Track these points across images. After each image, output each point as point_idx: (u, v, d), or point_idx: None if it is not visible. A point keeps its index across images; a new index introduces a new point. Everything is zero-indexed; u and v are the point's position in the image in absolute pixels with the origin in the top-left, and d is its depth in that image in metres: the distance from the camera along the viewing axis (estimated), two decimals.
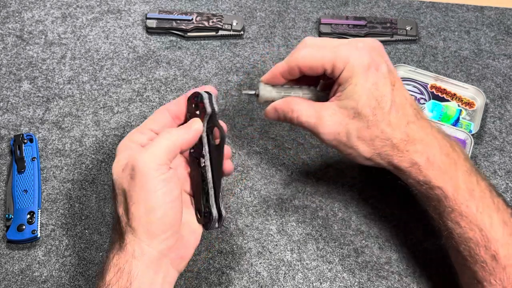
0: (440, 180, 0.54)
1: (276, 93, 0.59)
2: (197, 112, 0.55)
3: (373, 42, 0.57)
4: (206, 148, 0.55)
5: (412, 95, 0.75)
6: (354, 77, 0.53)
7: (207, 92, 0.56)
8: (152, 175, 0.50)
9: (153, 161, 0.50)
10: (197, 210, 0.56)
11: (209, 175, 0.56)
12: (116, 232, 0.52)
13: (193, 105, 0.56)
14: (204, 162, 0.55)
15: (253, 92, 0.59)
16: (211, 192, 0.55)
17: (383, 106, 0.53)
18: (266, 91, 0.59)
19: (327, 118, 0.55)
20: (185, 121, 0.56)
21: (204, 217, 0.56)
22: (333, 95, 0.56)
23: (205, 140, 0.55)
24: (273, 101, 0.59)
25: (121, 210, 0.51)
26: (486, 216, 0.52)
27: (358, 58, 0.54)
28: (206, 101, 0.55)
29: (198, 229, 0.56)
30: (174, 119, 0.56)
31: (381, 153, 0.55)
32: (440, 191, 0.54)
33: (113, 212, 0.66)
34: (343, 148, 0.56)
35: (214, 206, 0.55)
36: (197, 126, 0.54)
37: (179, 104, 0.56)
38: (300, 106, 0.56)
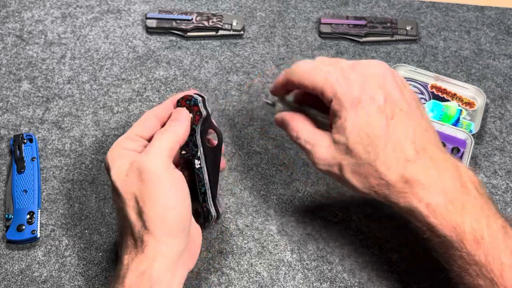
0: (443, 228, 0.49)
1: (292, 107, 0.57)
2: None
3: (374, 68, 0.51)
4: (201, 150, 0.55)
5: None
6: (343, 111, 0.50)
7: (200, 95, 0.56)
8: (163, 175, 0.50)
9: (161, 162, 0.50)
10: (194, 210, 0.56)
11: (205, 176, 0.56)
12: (129, 237, 0.51)
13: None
14: (199, 164, 0.56)
15: (271, 101, 0.58)
16: (208, 192, 0.56)
17: (377, 144, 0.49)
18: (283, 104, 0.57)
19: (321, 150, 0.52)
20: None
21: (203, 216, 0.57)
22: (331, 124, 0.53)
23: (199, 142, 0.55)
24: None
25: (133, 215, 0.50)
26: (497, 264, 0.48)
27: (347, 92, 0.49)
28: (201, 104, 0.55)
29: (200, 226, 0.56)
30: (162, 124, 0.56)
31: (377, 190, 0.51)
32: (444, 239, 0.49)
33: (113, 213, 0.66)
34: (337, 180, 0.54)
35: (212, 206, 0.56)
36: (184, 114, 0.54)
37: (167, 109, 0.56)
38: (302, 127, 0.55)
